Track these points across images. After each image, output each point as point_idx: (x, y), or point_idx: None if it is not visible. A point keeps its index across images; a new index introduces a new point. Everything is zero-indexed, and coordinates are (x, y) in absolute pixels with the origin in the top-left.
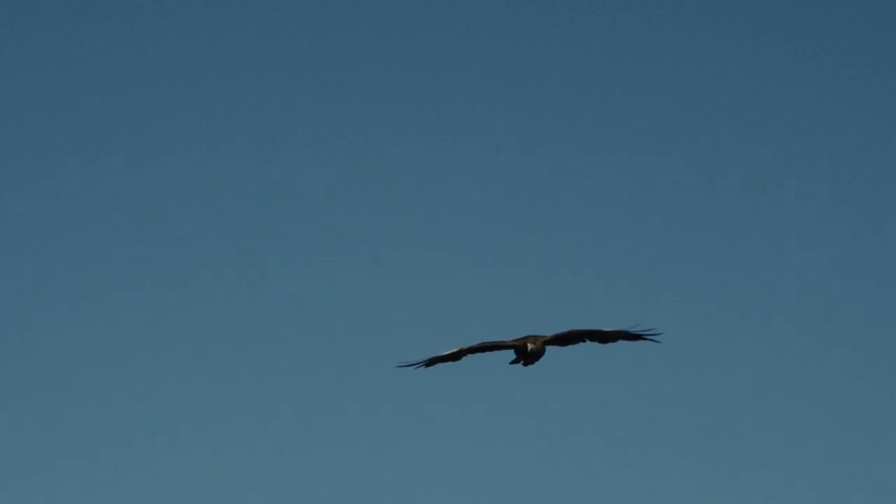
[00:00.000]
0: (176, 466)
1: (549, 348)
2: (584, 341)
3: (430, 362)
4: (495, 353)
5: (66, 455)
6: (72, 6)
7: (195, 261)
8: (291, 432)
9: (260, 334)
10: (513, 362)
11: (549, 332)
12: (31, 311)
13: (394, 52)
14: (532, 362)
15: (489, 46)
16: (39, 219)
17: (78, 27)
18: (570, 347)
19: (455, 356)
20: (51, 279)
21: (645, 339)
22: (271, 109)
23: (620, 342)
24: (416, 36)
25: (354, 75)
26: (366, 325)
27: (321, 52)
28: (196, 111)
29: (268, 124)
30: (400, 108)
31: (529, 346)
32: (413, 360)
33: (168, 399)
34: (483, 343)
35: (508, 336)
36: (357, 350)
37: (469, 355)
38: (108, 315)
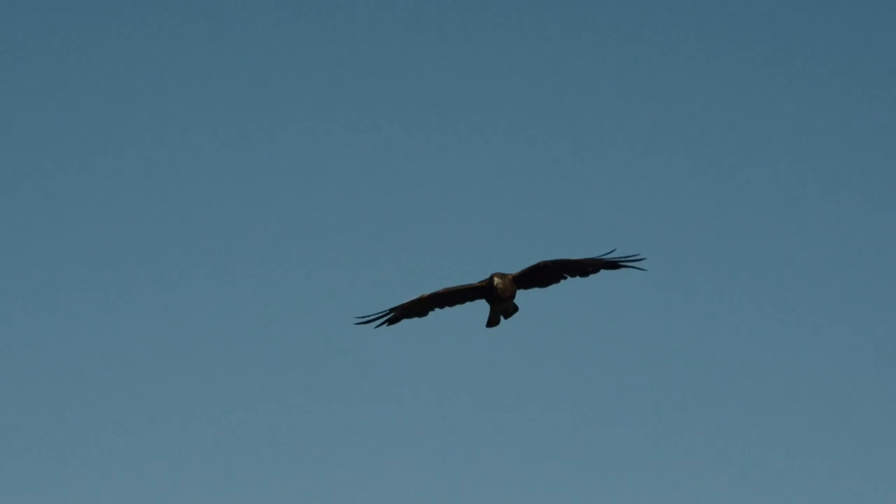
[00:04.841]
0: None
1: (529, 296)
2: (564, 277)
3: (393, 318)
4: (467, 315)
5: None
6: None
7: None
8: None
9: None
10: (490, 324)
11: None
12: (28, 307)
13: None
14: (505, 307)
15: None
16: (34, 215)
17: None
18: (551, 293)
19: (417, 306)
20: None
21: (627, 267)
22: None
23: (602, 273)
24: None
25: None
26: (322, 280)
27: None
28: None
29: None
30: None
31: (496, 280)
32: (373, 313)
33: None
34: (447, 288)
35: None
36: (315, 305)
37: (437, 309)
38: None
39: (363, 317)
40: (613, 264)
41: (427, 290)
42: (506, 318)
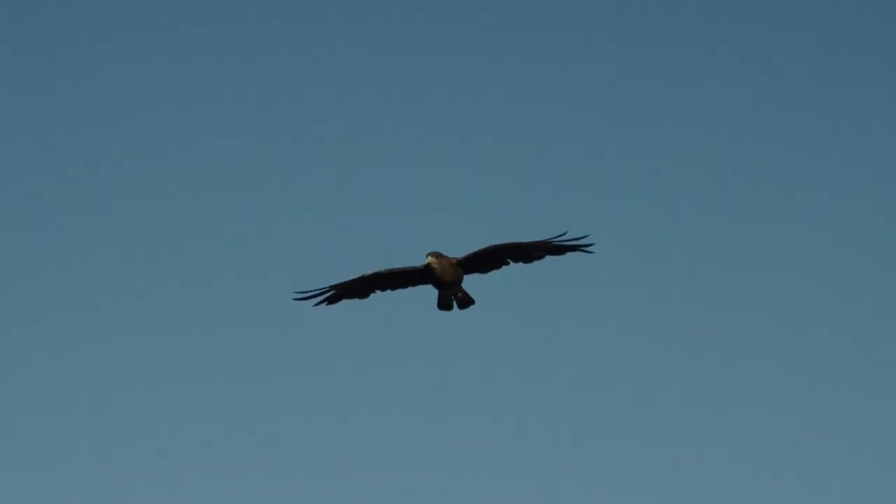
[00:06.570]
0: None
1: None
2: (507, 263)
3: (333, 297)
4: (422, 302)
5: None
6: None
7: None
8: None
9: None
10: (441, 306)
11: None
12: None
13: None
14: (454, 292)
15: None
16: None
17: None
18: (495, 276)
19: (358, 286)
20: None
21: (575, 250)
22: None
23: (548, 259)
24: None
25: None
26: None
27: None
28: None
29: None
30: None
31: (429, 259)
32: (312, 290)
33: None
34: (388, 269)
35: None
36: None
37: (378, 291)
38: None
39: (302, 292)
40: (561, 248)
41: (369, 270)
42: (460, 307)
